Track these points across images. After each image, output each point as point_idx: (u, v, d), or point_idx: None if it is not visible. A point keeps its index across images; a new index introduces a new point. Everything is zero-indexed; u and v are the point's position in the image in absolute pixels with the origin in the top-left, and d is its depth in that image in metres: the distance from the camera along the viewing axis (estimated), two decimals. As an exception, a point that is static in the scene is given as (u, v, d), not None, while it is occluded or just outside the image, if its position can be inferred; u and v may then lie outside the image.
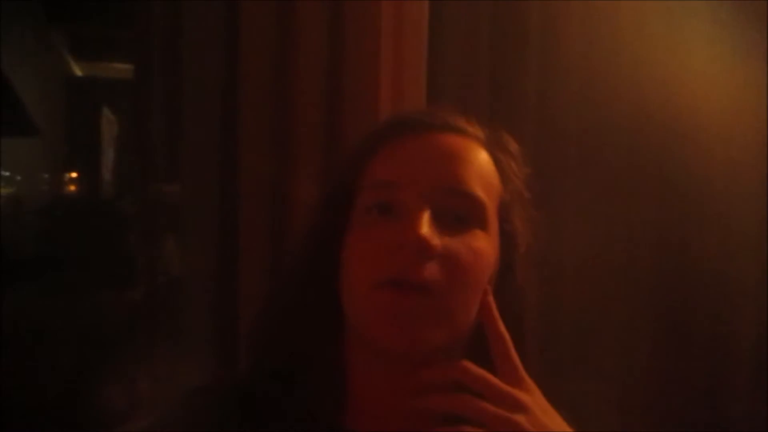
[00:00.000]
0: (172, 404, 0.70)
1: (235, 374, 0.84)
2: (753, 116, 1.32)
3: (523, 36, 1.27)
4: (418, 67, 1.13)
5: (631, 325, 1.30)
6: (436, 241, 0.61)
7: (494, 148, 0.71)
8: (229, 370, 1.04)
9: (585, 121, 1.28)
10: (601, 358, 1.26)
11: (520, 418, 0.57)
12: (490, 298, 0.65)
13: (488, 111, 1.22)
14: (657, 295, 1.32)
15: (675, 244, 1.33)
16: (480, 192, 0.66)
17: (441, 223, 0.63)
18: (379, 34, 1.09)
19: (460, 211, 0.65)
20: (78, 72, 3.45)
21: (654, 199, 1.32)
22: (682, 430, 1.30)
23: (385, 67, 1.09)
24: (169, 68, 1.18)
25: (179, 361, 1.11)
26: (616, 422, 1.23)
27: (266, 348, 0.73)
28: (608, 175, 1.30)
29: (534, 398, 0.61)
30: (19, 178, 2.60)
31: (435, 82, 1.15)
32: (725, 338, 1.34)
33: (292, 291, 0.72)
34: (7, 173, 2.48)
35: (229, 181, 1.10)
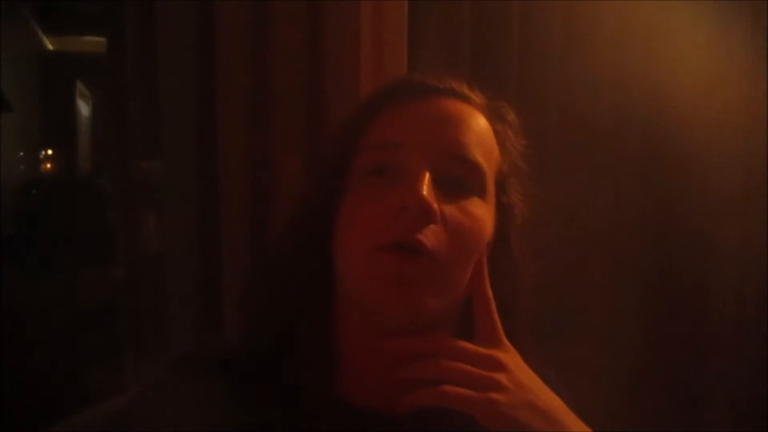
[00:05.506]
0: (156, 374, 0.69)
1: (224, 343, 0.84)
2: (738, 82, 1.32)
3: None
4: (400, 34, 1.11)
5: (618, 290, 1.31)
6: (435, 205, 0.60)
7: (494, 118, 0.70)
8: (215, 339, 1.04)
9: (567, 104, 1.27)
10: (587, 326, 1.27)
11: (499, 376, 0.58)
12: (483, 259, 0.65)
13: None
14: (642, 260, 1.33)
15: (658, 211, 1.33)
16: (481, 159, 0.65)
17: (440, 188, 0.62)
18: None
19: (460, 178, 0.64)
20: (50, 47, 3.36)
21: (637, 168, 1.32)
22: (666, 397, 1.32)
23: (365, 29, 1.08)
24: (143, 41, 1.15)
25: (162, 338, 1.10)
26: (603, 386, 1.25)
27: (258, 317, 0.72)
28: (592, 142, 1.30)
29: (512, 358, 0.62)
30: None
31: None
32: (708, 300, 1.35)
33: (285, 259, 0.71)
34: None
35: (209, 156, 1.09)
